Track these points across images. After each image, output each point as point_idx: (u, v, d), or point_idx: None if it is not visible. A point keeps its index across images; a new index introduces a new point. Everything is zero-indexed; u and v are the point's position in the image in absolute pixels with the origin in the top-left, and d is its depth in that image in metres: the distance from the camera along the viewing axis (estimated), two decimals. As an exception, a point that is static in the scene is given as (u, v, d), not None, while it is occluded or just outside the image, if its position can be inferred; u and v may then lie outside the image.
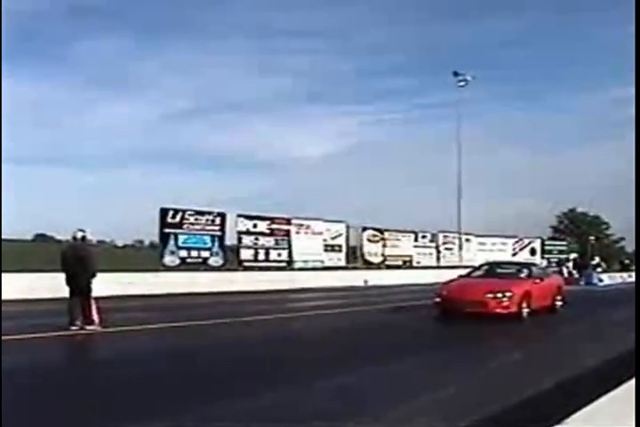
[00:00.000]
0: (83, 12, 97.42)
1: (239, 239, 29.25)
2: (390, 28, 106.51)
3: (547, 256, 46.74)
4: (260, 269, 29.46)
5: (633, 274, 43.92)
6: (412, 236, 39.33)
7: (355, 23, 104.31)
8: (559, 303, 18.96)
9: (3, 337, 10.69)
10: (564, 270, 39.74)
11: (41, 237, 62.63)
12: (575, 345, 12.15)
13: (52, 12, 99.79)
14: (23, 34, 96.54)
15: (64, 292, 12.95)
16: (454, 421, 6.04)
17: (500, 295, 15.82)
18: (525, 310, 16.33)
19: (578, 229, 77.49)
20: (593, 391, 5.12)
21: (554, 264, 43.05)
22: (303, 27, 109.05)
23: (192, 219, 27.17)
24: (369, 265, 36.05)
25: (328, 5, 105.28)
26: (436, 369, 9.20)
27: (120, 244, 72.11)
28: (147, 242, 59.86)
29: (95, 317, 12.61)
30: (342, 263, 34.28)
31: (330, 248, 33.53)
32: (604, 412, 4.44)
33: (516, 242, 46.25)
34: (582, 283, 38.38)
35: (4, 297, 17.50)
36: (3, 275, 19.22)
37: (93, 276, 12.82)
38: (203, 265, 27.37)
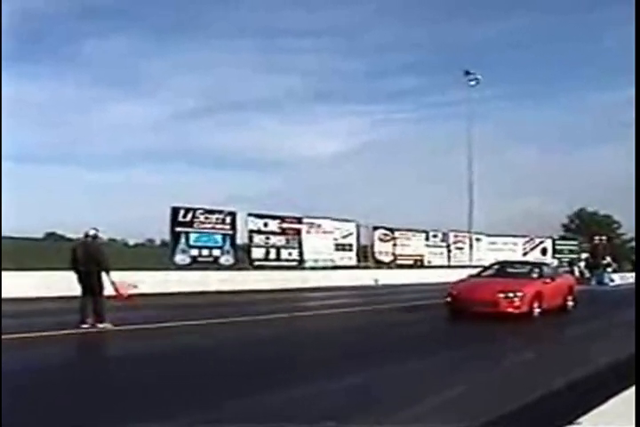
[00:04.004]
0: (91, 12, 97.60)
1: (250, 238, 29.28)
2: (400, 28, 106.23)
3: (558, 256, 46.54)
4: (271, 268, 29.49)
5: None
6: (423, 235, 39.27)
7: (364, 22, 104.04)
8: (570, 303, 18.91)
9: (14, 335, 10.75)
10: (576, 270, 39.60)
11: (52, 236, 62.85)
12: (587, 345, 12.09)
13: (61, 12, 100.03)
14: (32, 34, 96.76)
15: (76, 290, 12.99)
16: (465, 420, 6.03)
17: (511, 295, 15.77)
18: (537, 310, 16.29)
19: (588, 229, 77.08)
20: (603, 392, 5.11)
21: (565, 264, 42.88)
22: (312, 26, 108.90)
23: (203, 218, 27.22)
24: (380, 264, 36.02)
25: (337, 4, 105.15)
26: (448, 369, 9.18)
27: (131, 242, 72.27)
28: (158, 241, 59.95)
29: (106, 315, 12.67)
30: (353, 262, 34.26)
31: (340, 247, 33.52)
32: (607, 415, 4.42)
33: (527, 241, 46.08)
34: (593, 283, 38.27)
35: (14, 295, 17.59)
36: (13, 273, 19.33)
37: (108, 272, 12.89)
38: (214, 264, 27.41)
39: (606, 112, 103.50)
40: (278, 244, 30.25)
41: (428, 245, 39.54)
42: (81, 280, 12.88)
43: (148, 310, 15.80)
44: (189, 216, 26.74)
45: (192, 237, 26.73)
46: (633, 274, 45.49)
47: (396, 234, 37.29)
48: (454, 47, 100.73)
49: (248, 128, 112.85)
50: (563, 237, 56.91)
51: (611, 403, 4.68)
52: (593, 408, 4.52)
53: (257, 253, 29.41)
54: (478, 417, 5.98)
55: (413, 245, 38.49)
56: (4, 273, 18.66)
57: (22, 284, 19.11)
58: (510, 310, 15.69)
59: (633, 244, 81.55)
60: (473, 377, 8.43)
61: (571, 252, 48.72)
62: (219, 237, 27.73)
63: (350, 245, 34.21)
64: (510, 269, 19.20)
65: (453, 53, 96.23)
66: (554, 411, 6.04)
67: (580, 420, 4.15)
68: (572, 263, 42.87)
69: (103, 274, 12.91)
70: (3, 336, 10.26)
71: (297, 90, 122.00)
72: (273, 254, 29.98)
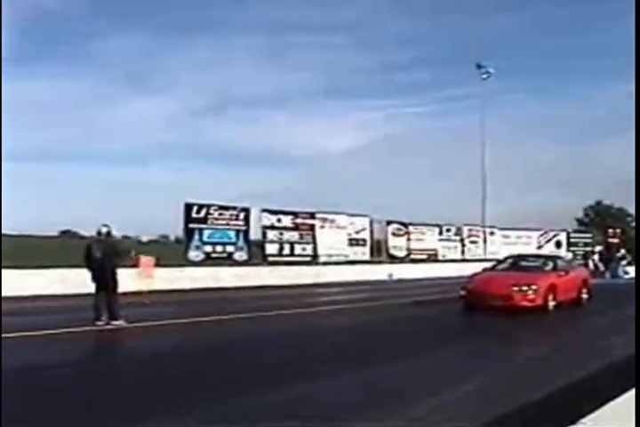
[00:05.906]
0: (102, 10, 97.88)
1: (264, 234, 29.27)
2: (412, 21, 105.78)
3: (572, 249, 46.29)
4: (285, 263, 29.46)
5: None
6: (437, 229, 39.12)
7: (376, 17, 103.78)
8: (585, 296, 18.84)
9: (29, 333, 10.82)
10: (590, 263, 39.38)
11: (66, 234, 63.11)
12: (602, 338, 12.04)
13: (74, 10, 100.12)
14: (45, 32, 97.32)
15: (90, 287, 13.04)
16: (479, 414, 6.04)
17: (525, 288, 15.75)
18: (551, 303, 16.25)
19: (603, 222, 76.69)
20: (618, 386, 5.10)
21: (579, 257, 42.63)
22: (325, 21, 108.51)
23: (216, 214, 27.23)
24: (393, 259, 35.94)
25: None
26: (464, 364, 9.19)
27: (145, 239, 72.43)
28: (172, 237, 60.13)
29: (121, 312, 12.71)
30: (367, 257, 34.18)
31: (354, 242, 33.45)
32: (608, 417, 4.39)
33: (542, 235, 45.82)
34: (608, 276, 38.05)
35: (29, 293, 17.70)
36: (27, 271, 19.47)
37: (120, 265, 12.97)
38: (227, 260, 27.42)
39: (620, 104, 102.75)
40: (292, 239, 30.21)
41: (441, 240, 39.42)
42: (95, 277, 12.91)
43: (161, 306, 15.85)
44: (203, 212, 26.77)
45: (206, 233, 26.76)
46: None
47: (410, 228, 37.16)
48: (468, 40, 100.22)
49: (260, 124, 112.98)
50: (577, 230, 56.61)
51: (613, 404, 4.64)
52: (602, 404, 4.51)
53: (271, 248, 29.40)
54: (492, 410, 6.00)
55: (427, 240, 38.34)
56: (17, 271, 18.81)
57: (37, 281, 19.22)
58: (525, 303, 15.67)
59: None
60: (488, 372, 8.44)
61: (585, 245, 48.44)
62: (232, 234, 27.74)
63: (364, 240, 34.15)
64: (524, 263, 19.16)
65: (467, 46, 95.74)
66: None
67: (584, 420, 4.12)
68: (586, 256, 42.62)
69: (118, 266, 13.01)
70: (20, 334, 10.34)
71: (309, 86, 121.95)
72: (287, 250, 29.95)
